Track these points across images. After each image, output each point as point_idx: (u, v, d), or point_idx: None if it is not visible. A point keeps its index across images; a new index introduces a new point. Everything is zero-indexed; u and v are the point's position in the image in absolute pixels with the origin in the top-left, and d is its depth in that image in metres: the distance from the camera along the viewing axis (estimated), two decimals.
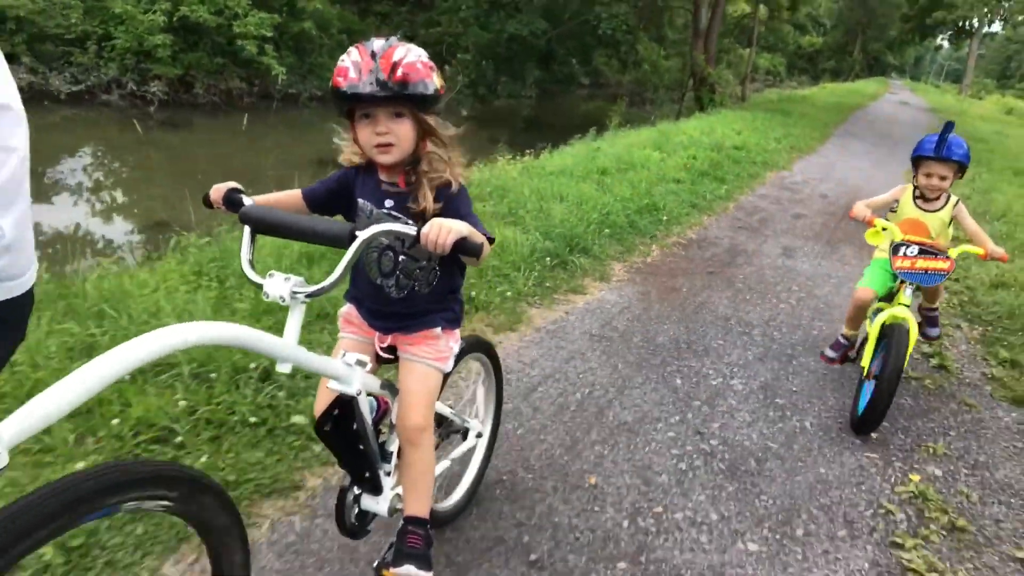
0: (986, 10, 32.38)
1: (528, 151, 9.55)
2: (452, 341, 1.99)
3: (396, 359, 1.98)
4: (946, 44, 79.11)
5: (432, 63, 1.70)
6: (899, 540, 2.49)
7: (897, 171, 11.34)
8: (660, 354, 3.82)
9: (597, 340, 3.89)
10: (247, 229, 1.64)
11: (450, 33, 24.25)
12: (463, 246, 1.49)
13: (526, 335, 3.86)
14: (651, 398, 3.33)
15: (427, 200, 1.72)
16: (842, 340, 3.73)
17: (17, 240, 1.16)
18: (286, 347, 1.50)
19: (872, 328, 3.31)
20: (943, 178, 3.35)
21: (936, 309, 3.84)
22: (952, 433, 3.37)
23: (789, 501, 2.66)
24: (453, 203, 1.76)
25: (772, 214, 7.49)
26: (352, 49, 1.67)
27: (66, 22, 14.81)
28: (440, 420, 2.23)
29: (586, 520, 2.46)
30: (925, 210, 3.47)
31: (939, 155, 3.29)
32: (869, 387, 3.24)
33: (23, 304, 1.28)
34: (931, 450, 3.16)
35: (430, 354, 1.93)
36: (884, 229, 3.36)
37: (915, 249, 3.25)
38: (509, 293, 4.21)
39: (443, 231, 1.47)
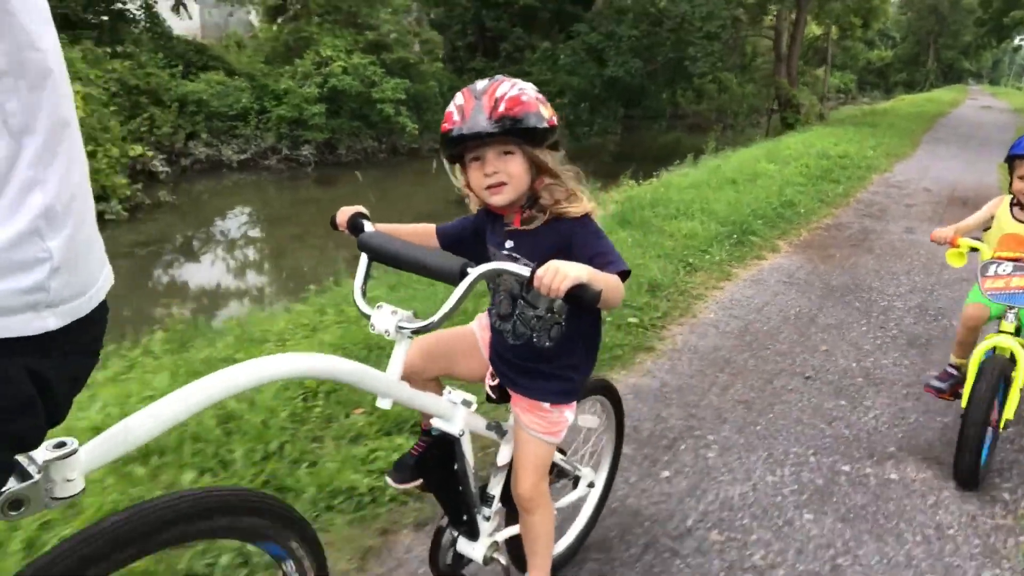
0: None
1: (632, 179, 11.14)
2: (567, 412, 1.87)
3: (500, 402, 1.93)
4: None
5: (541, 96, 1.65)
6: None
7: (989, 168, 12.46)
8: (837, 291, 5.35)
9: (788, 284, 5.46)
10: (364, 257, 1.63)
11: (542, 81, 26.44)
12: (579, 293, 1.37)
13: (737, 283, 5.46)
14: (842, 313, 4.87)
15: (569, 208, 1.66)
16: (951, 370, 3.37)
17: (71, 259, 1.03)
18: (388, 382, 1.48)
19: (972, 360, 2.88)
20: None
21: None
22: None
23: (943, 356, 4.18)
24: (576, 238, 1.66)
25: (886, 205, 8.88)
26: (458, 94, 1.64)
27: (236, 103, 17.38)
28: (551, 466, 2.09)
29: (824, 366, 4.02)
30: None
31: None
32: (990, 436, 2.90)
33: (93, 323, 1.14)
34: None
35: (541, 427, 1.83)
36: (973, 249, 3.09)
37: (1008, 266, 2.87)
38: (717, 258, 5.82)
39: (558, 275, 1.36)
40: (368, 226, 1.71)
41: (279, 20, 22.02)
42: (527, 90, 1.60)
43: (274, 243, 13.44)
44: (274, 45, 19.39)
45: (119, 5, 18.87)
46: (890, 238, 7.13)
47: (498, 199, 1.64)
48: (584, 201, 1.67)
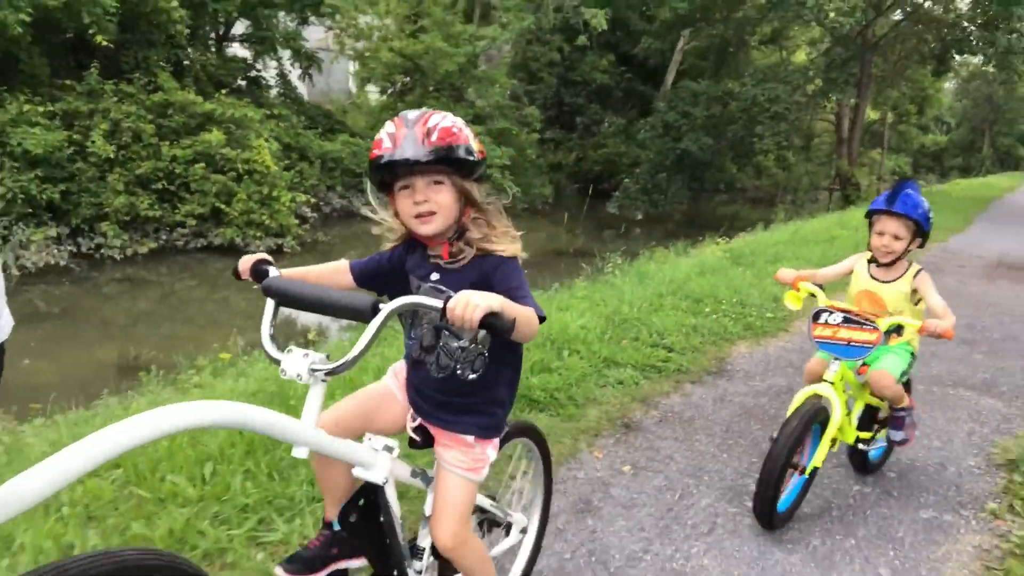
0: None
1: (719, 238, 13.11)
2: (489, 448, 1.86)
3: (423, 447, 1.90)
4: None
5: (468, 129, 1.68)
6: None
7: None
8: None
9: None
10: (269, 302, 1.61)
11: (618, 152, 28.89)
12: (493, 322, 1.38)
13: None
14: None
15: (497, 245, 1.71)
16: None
17: None
18: (304, 430, 1.42)
19: (792, 404, 2.99)
20: (896, 238, 3.06)
21: (905, 409, 3.27)
22: None
23: (983, 354, 6.03)
24: (498, 273, 1.68)
25: (942, 265, 10.74)
26: (388, 122, 1.65)
27: (365, 161, 20.03)
28: (480, 510, 2.11)
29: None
30: (880, 280, 3.20)
31: (890, 208, 3.04)
32: (797, 480, 3.04)
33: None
34: None
35: (464, 463, 1.81)
36: (812, 295, 3.15)
37: (839, 316, 2.96)
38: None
39: (469, 305, 1.37)
40: (272, 271, 1.68)
41: (388, 92, 24.92)
42: (458, 122, 1.65)
43: None
44: (393, 113, 22.12)
45: (255, 72, 21.86)
46: (945, 284, 9.00)
47: (427, 228, 1.66)
48: (511, 243, 1.72)
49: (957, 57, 24.33)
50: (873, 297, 3.19)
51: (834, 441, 2.96)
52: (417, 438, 1.87)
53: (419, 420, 1.88)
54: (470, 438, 1.81)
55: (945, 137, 76.61)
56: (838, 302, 3.09)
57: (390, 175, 1.65)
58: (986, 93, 68.14)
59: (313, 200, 16.68)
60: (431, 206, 1.64)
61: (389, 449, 1.69)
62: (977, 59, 25.17)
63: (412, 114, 1.63)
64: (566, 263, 12.76)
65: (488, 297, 1.40)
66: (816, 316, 3.01)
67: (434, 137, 1.58)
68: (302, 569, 1.76)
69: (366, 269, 1.88)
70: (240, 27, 21.65)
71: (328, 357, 1.48)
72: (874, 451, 3.45)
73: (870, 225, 3.16)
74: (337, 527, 1.82)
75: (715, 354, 5.35)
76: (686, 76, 31.11)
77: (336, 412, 1.84)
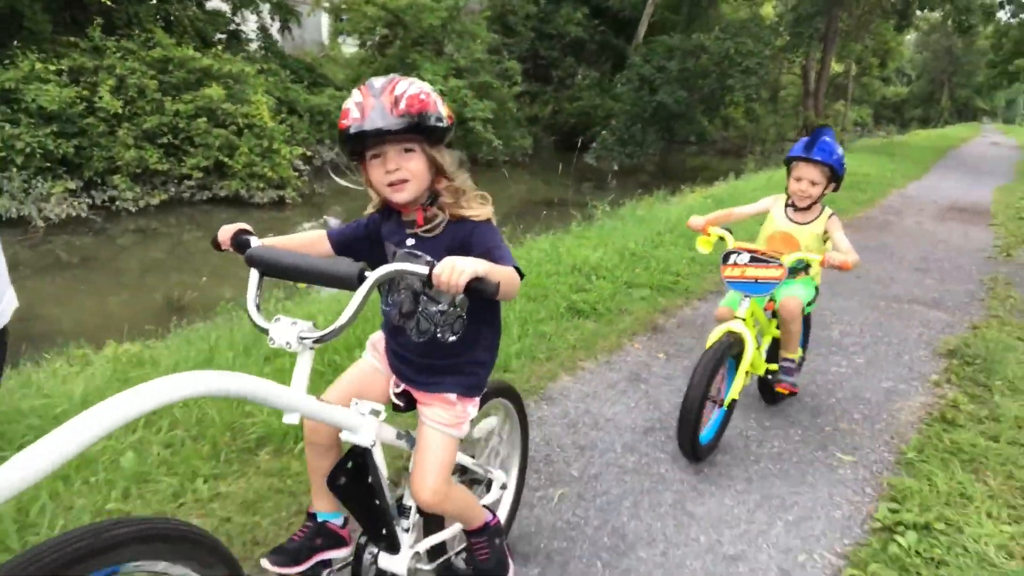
0: None
1: (695, 188, 14.07)
2: (470, 406, 1.91)
3: (406, 410, 1.94)
4: None
5: (436, 94, 1.68)
6: None
7: (985, 190, 15.41)
8: (874, 248, 8.33)
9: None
10: (254, 272, 1.61)
11: (593, 105, 29.59)
12: (478, 286, 1.42)
13: None
14: (877, 258, 7.83)
15: (471, 210, 1.73)
16: None
17: None
18: (293, 396, 1.45)
19: (707, 342, 3.12)
20: (813, 183, 3.25)
21: (793, 361, 3.51)
22: None
23: (935, 278, 7.12)
24: (475, 236, 1.71)
25: (901, 208, 11.86)
26: (355, 91, 1.65)
27: None
28: (461, 470, 2.18)
29: (871, 277, 7.01)
30: (796, 222, 3.36)
31: (808, 155, 3.21)
32: (718, 412, 3.26)
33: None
34: None
35: (445, 419, 1.86)
36: (721, 239, 3.28)
37: (746, 256, 3.11)
38: None
39: (455, 270, 1.41)
40: (254, 241, 1.68)
41: (367, 46, 25.23)
42: (425, 88, 1.65)
43: None
44: (374, 66, 22.53)
45: (234, 26, 22.02)
46: (904, 225, 10.12)
47: (400, 196, 1.68)
48: (483, 207, 1.75)
49: (919, 12, 25.27)
50: (788, 238, 3.35)
51: (747, 374, 3.17)
52: (400, 403, 1.92)
53: (402, 386, 1.92)
54: (452, 396, 1.86)
55: (906, 89, 78.04)
56: (745, 243, 3.23)
57: (360, 144, 1.67)
58: (945, 46, 69.44)
59: (308, 153, 17.25)
60: (403, 174, 1.67)
61: (376, 413, 1.73)
62: (937, 13, 26.19)
63: (378, 82, 1.63)
64: (554, 212, 13.57)
65: (473, 262, 1.44)
66: (725, 258, 3.17)
67: (402, 105, 1.59)
68: (287, 561, 1.83)
69: (343, 237, 1.89)
70: None
71: (315, 325, 1.50)
72: (779, 390, 3.65)
73: (788, 171, 3.34)
74: (322, 517, 1.93)
75: (713, 279, 6.32)
76: (657, 28, 31.83)
77: (328, 394, 1.90)
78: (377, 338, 2.00)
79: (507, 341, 4.12)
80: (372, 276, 1.48)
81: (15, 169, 11.77)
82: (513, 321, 4.45)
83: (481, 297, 1.44)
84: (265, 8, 22.74)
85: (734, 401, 3.18)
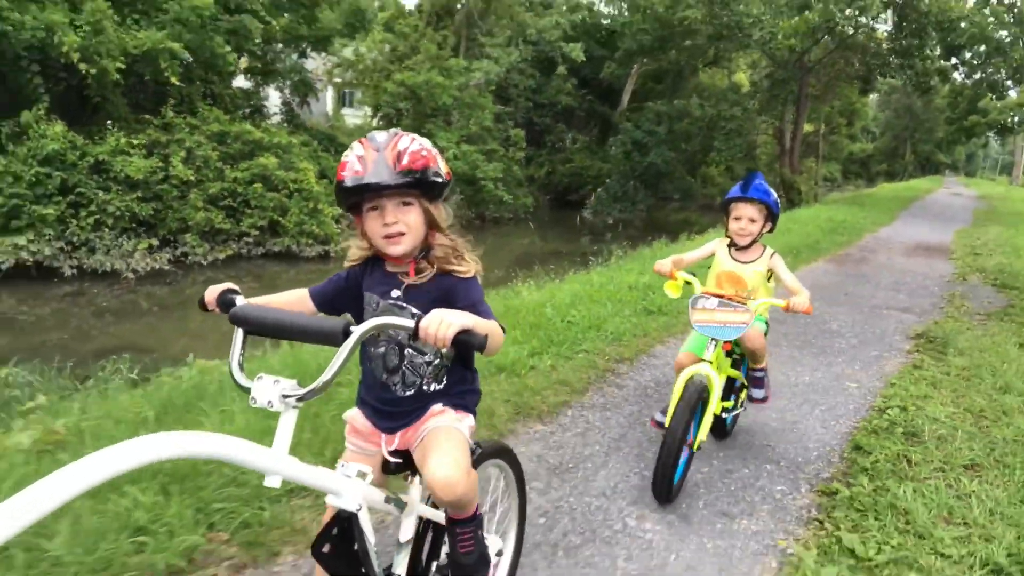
0: (1015, 116, 38.49)
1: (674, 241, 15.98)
2: (465, 417, 1.91)
3: (405, 466, 1.90)
4: (994, 142, 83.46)
5: (436, 151, 1.74)
6: None
7: (947, 232, 17.53)
8: (853, 276, 10.20)
9: (828, 273, 10.29)
10: (238, 331, 1.60)
11: (583, 166, 31.93)
12: (466, 339, 1.43)
13: (815, 265, 10.27)
14: (856, 283, 9.69)
15: (459, 266, 1.77)
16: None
17: None
18: (275, 458, 1.39)
19: (676, 386, 3.21)
20: (752, 220, 3.41)
21: (762, 369, 3.72)
22: None
23: (907, 296, 9.00)
24: (459, 289, 1.74)
25: (875, 247, 13.84)
26: (355, 144, 1.69)
27: None
28: None
29: (853, 299, 8.86)
30: (740, 261, 3.51)
31: (744, 194, 3.39)
32: (685, 455, 3.30)
33: None
34: None
35: (445, 420, 1.85)
36: (687, 283, 3.38)
37: (714, 302, 3.23)
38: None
39: (443, 323, 1.42)
40: (239, 299, 1.68)
41: (376, 117, 27.38)
42: (426, 145, 1.70)
43: None
44: None
45: (259, 101, 24.08)
46: (878, 259, 12.07)
47: (396, 249, 1.71)
48: (471, 263, 1.79)
49: (880, 77, 27.99)
50: (734, 277, 3.48)
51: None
52: (397, 460, 1.88)
53: (396, 437, 1.88)
54: (439, 405, 1.87)
55: (871, 145, 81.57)
56: (712, 288, 3.41)
57: (359, 196, 1.69)
58: (905, 104, 73.29)
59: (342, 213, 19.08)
60: (400, 227, 1.68)
61: (362, 475, 1.68)
62: (896, 80, 28.95)
63: (380, 136, 1.67)
64: (562, 260, 15.36)
65: (460, 315, 1.46)
66: (694, 303, 3.28)
67: (405, 160, 1.62)
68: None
69: (324, 294, 1.90)
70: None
71: (299, 383, 1.47)
72: (728, 417, 3.81)
73: (727, 213, 3.50)
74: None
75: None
76: (638, 96, 34.53)
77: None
78: (352, 416, 1.97)
79: (618, 320, 5.87)
80: (357, 331, 1.46)
81: (106, 229, 13.47)
82: (611, 314, 6.21)
83: (468, 350, 1.45)
84: (286, 84, 25.03)
85: (702, 443, 3.27)
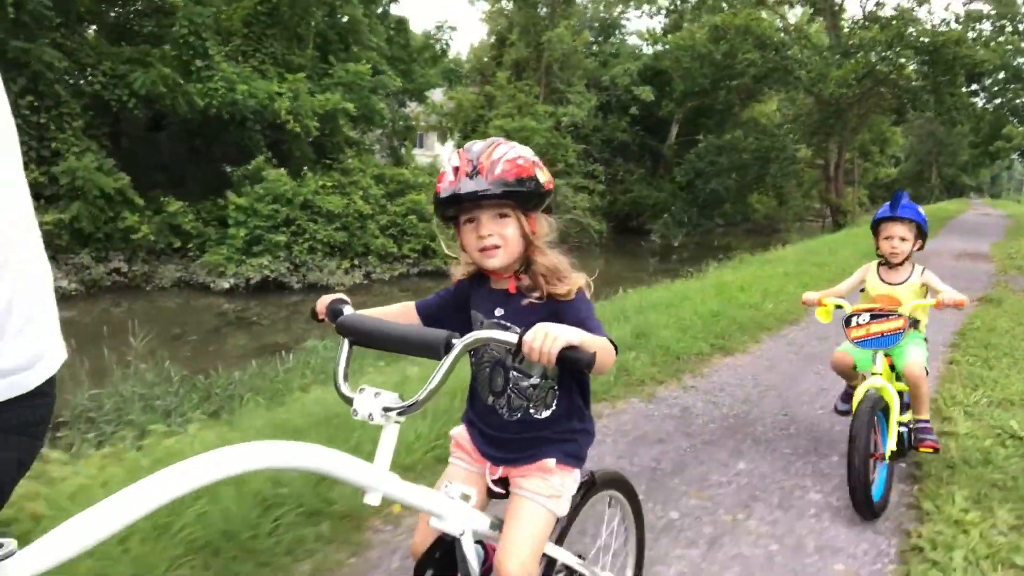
0: None
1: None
2: (570, 479, 1.80)
3: (505, 495, 1.81)
4: (1018, 163, 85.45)
5: (537, 159, 1.65)
6: None
7: (982, 244, 20.78)
8: (933, 264, 13.56)
9: None
10: (344, 341, 1.59)
11: (643, 195, 35.49)
12: (572, 355, 1.34)
13: None
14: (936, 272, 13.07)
15: (559, 288, 1.65)
16: (850, 390, 3.84)
17: (14, 325, 0.94)
18: (376, 474, 1.37)
19: (853, 403, 3.30)
20: (903, 239, 3.43)
21: (928, 421, 3.58)
22: None
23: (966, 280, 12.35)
24: (568, 309, 1.64)
25: (927, 256, 16.88)
26: (453, 154, 1.64)
27: None
28: (568, 572, 1.96)
29: None
30: (892, 283, 3.54)
31: (894, 214, 3.41)
32: (883, 469, 3.28)
33: (33, 406, 1.03)
34: None
35: (542, 489, 1.74)
36: (838, 307, 3.45)
37: (866, 316, 3.29)
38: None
39: (548, 338, 1.34)
40: (347, 309, 1.67)
41: None
42: (524, 153, 1.62)
43: None
44: None
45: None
46: (933, 263, 15.29)
47: (492, 262, 1.64)
48: (573, 281, 1.67)
49: (912, 111, 31.45)
50: (890, 299, 3.49)
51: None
52: (500, 489, 1.82)
53: (499, 471, 1.82)
54: (551, 462, 1.76)
55: (895, 170, 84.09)
56: (860, 304, 3.47)
57: (455, 209, 1.64)
58: (929, 130, 75.88)
59: None
60: (496, 239, 1.62)
61: (466, 497, 1.63)
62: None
63: (477, 146, 1.62)
64: (632, 281, 18.65)
65: (566, 330, 1.38)
66: (847, 322, 3.36)
67: (498, 170, 1.56)
68: None
69: (431, 307, 1.86)
70: None
71: (401, 396, 1.44)
72: (904, 431, 3.62)
73: (876, 234, 3.54)
74: None
75: None
76: (683, 131, 38.18)
77: (422, 526, 1.76)
78: (458, 433, 1.93)
79: (731, 309, 9.28)
80: (459, 343, 1.43)
81: (318, 253, 17.21)
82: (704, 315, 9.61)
83: (575, 368, 1.37)
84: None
85: (893, 452, 3.29)
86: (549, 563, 1.81)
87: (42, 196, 14.71)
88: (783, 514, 3.28)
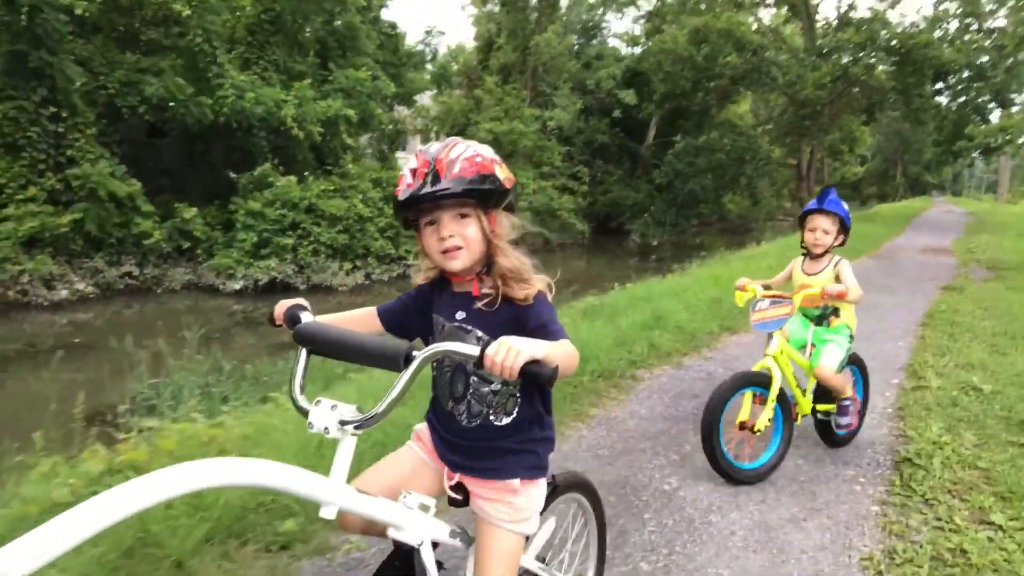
0: (998, 138, 43.28)
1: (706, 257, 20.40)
2: (535, 494, 1.78)
3: (464, 504, 1.79)
4: (979, 161, 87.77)
5: (496, 156, 1.63)
6: None
7: (945, 240, 22.07)
8: (886, 268, 14.68)
9: (876, 260, 14.78)
10: (302, 350, 1.56)
11: (622, 195, 36.56)
12: (534, 371, 1.32)
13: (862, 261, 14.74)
14: (887, 276, 14.18)
15: (518, 291, 1.62)
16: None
17: None
18: (333, 488, 1.36)
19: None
20: (826, 232, 3.69)
21: (848, 398, 3.86)
22: None
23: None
24: (530, 312, 1.61)
25: (895, 250, 18.33)
26: (411, 157, 1.60)
27: None
28: (526, 574, 1.96)
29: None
30: (810, 273, 3.80)
31: (820, 207, 3.67)
32: (775, 439, 3.73)
33: None
34: None
35: (509, 515, 1.72)
36: (753, 294, 3.67)
37: (767, 302, 3.57)
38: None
39: (511, 352, 1.31)
40: (306, 316, 1.64)
41: None
42: (483, 151, 1.60)
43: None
44: None
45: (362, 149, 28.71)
46: (901, 257, 16.57)
47: (454, 264, 1.61)
48: (533, 285, 1.64)
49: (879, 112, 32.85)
50: (807, 288, 3.72)
51: (797, 414, 3.78)
52: (458, 496, 1.79)
53: (457, 476, 1.79)
54: (515, 482, 1.73)
55: (862, 168, 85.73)
56: (767, 291, 3.71)
57: (415, 211, 1.61)
58: (895, 128, 77.68)
59: None
60: (457, 240, 1.59)
61: (425, 508, 1.62)
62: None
63: (434, 147, 1.59)
64: (612, 280, 19.66)
65: (530, 344, 1.35)
66: (753, 306, 3.63)
67: (457, 168, 1.53)
68: None
69: (393, 313, 1.85)
70: None
71: (358, 409, 1.42)
72: (833, 424, 4.02)
73: (803, 226, 3.80)
74: None
75: None
76: (660, 132, 39.33)
77: (363, 483, 1.73)
78: (422, 429, 1.90)
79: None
80: (419, 356, 1.40)
81: (321, 255, 17.94)
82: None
83: (537, 383, 1.35)
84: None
85: (766, 427, 3.55)
86: None
87: (59, 201, 15.30)
88: (804, 440, 4.20)
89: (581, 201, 30.66)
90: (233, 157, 18.81)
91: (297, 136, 18.45)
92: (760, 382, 3.57)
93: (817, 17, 32.37)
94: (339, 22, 22.19)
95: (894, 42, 27.43)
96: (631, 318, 6.83)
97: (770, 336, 3.64)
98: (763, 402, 3.57)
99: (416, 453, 1.87)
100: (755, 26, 32.21)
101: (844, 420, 3.89)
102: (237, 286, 16.69)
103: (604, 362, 5.40)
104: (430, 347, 1.43)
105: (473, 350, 1.36)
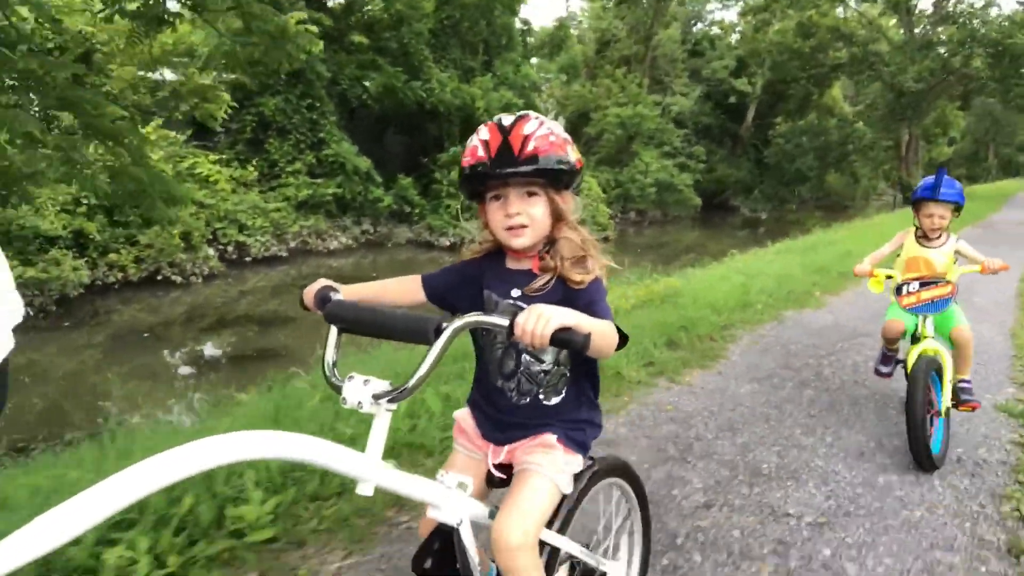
0: None
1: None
2: (573, 460, 1.75)
3: (506, 482, 1.76)
4: None
5: (568, 136, 1.61)
6: None
7: None
8: (1000, 231, 17.68)
9: (983, 229, 17.81)
10: (333, 328, 1.54)
11: (725, 173, 39.48)
12: (564, 338, 1.31)
13: (969, 231, 17.79)
14: (1004, 234, 17.18)
15: (575, 275, 1.60)
16: (888, 353, 4.22)
17: None
18: (369, 464, 1.35)
19: (908, 365, 3.58)
20: (941, 217, 3.71)
21: (969, 380, 3.85)
22: None
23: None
24: (580, 294, 1.60)
25: (998, 222, 21.11)
26: (482, 127, 1.59)
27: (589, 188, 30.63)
28: (570, 563, 1.91)
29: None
30: (928, 247, 3.79)
31: (935, 197, 3.66)
32: (940, 424, 3.54)
33: None
34: None
35: (547, 462, 1.69)
36: (888, 277, 3.70)
37: (916, 284, 3.52)
38: None
39: (540, 320, 1.30)
40: (336, 296, 1.61)
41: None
42: (556, 129, 1.58)
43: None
44: (600, 156, 32.81)
45: None
46: (1006, 228, 19.42)
47: (519, 241, 1.60)
48: (596, 264, 1.64)
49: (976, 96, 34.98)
50: (924, 261, 3.78)
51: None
52: (502, 475, 1.78)
53: (503, 453, 1.78)
54: (552, 438, 1.72)
55: (950, 149, 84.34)
56: (910, 274, 3.70)
57: (481, 184, 1.60)
58: (987, 109, 76.42)
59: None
60: (523, 219, 1.58)
61: (463, 486, 1.60)
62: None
63: (507, 119, 1.56)
64: (746, 245, 22.54)
65: (560, 311, 1.33)
66: (898, 290, 3.59)
67: (530, 146, 1.51)
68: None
69: (438, 283, 1.80)
70: None
71: (391, 383, 1.41)
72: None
73: (916, 209, 3.82)
74: None
75: None
76: (759, 114, 41.91)
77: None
78: (462, 417, 1.89)
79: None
80: (448, 329, 1.38)
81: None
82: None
83: (569, 349, 1.35)
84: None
85: (948, 409, 3.60)
86: (552, 552, 1.72)
87: (315, 174, 19.76)
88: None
89: (699, 178, 33.91)
90: (424, 141, 22.96)
91: (480, 121, 22.34)
92: (936, 366, 3.58)
93: (915, 9, 34.65)
94: (499, 22, 25.97)
95: (993, 33, 29.58)
96: (823, 254, 10.20)
97: (923, 319, 3.68)
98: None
99: (460, 453, 1.86)
100: (853, 17, 34.64)
101: (971, 398, 3.85)
102: (447, 242, 20.78)
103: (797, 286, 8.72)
104: (459, 318, 1.40)
105: (504, 320, 1.36)
